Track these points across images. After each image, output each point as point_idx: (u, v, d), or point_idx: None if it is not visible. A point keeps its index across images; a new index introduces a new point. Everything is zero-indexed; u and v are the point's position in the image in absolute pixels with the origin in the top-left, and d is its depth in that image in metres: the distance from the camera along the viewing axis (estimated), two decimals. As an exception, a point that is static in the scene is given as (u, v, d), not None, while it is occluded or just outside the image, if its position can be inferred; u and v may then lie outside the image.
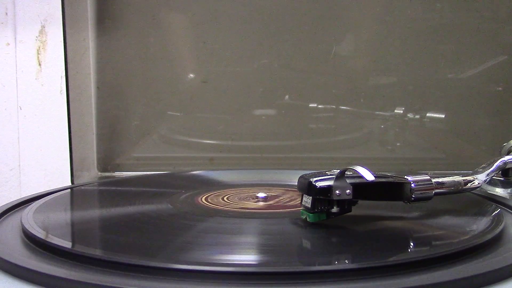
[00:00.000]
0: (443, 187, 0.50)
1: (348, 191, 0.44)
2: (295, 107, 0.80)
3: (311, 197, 0.45)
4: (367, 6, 0.78)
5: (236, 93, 0.79)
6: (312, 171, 0.47)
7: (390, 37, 0.79)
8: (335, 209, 0.45)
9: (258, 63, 0.79)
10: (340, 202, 0.45)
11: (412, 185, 0.47)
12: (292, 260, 0.41)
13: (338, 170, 0.45)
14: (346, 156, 0.81)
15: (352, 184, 0.44)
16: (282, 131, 0.81)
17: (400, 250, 0.43)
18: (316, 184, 0.44)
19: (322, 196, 0.44)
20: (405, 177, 0.48)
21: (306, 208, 0.46)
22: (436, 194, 0.49)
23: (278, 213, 0.51)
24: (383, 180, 0.46)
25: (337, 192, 0.44)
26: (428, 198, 0.48)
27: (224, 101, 0.79)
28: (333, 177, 0.44)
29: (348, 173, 0.45)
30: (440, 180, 0.50)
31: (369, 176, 0.43)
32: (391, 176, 0.47)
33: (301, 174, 0.47)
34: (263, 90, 0.79)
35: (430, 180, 0.48)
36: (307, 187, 0.45)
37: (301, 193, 0.46)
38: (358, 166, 0.44)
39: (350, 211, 0.46)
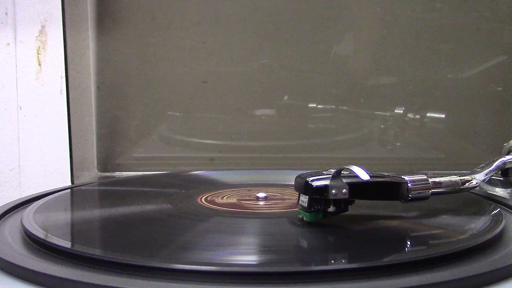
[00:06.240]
0: (440, 187, 0.50)
1: (344, 190, 0.44)
2: (295, 107, 0.80)
3: (307, 197, 0.45)
4: (367, 6, 0.78)
5: (236, 93, 0.79)
6: (309, 171, 0.47)
7: (390, 37, 0.79)
8: (331, 209, 0.45)
9: (258, 63, 0.79)
10: (337, 202, 0.45)
11: (409, 184, 0.47)
12: (290, 260, 0.41)
13: (335, 170, 0.45)
14: (346, 156, 0.81)
15: (348, 183, 0.45)
16: (282, 131, 0.81)
17: (399, 250, 0.43)
18: (313, 184, 0.44)
19: (318, 196, 0.45)
20: (402, 176, 0.48)
21: (303, 208, 0.46)
22: (433, 194, 0.49)
23: (278, 213, 0.51)
24: (379, 179, 0.46)
25: (334, 191, 0.44)
26: (425, 198, 0.48)
27: (224, 101, 0.79)
28: (330, 177, 0.44)
29: (345, 172, 0.45)
30: (437, 180, 0.50)
31: (364, 176, 0.43)
32: (388, 176, 0.47)
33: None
34: (263, 90, 0.79)
35: (427, 180, 0.48)
36: (303, 187, 0.45)
37: (298, 193, 0.46)
38: (353, 166, 0.44)
39: (347, 210, 0.46)
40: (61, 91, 0.78)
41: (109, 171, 0.79)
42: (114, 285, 0.35)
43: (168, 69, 0.79)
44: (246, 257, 0.41)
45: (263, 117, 0.80)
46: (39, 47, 0.78)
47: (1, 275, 0.38)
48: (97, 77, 0.78)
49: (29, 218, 0.47)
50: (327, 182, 0.44)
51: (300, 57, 0.79)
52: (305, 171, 0.47)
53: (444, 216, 0.50)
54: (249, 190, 0.60)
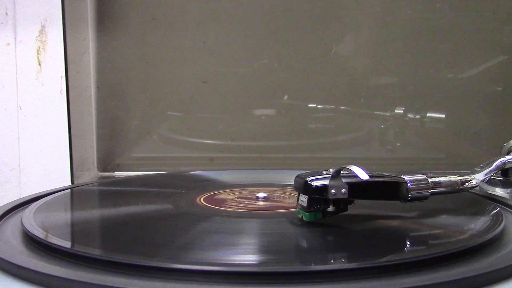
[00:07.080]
0: (439, 187, 0.50)
1: (343, 190, 0.44)
2: (295, 107, 0.80)
3: (307, 196, 0.45)
4: (367, 6, 0.78)
5: (236, 93, 0.79)
6: (309, 171, 0.47)
7: (390, 37, 0.79)
8: (331, 208, 0.45)
9: (258, 63, 0.79)
10: (336, 201, 0.45)
11: (409, 184, 0.47)
12: (290, 260, 0.41)
13: (334, 170, 0.45)
14: (346, 156, 0.81)
15: (348, 183, 0.45)
16: (282, 131, 0.81)
17: (399, 250, 0.43)
18: (312, 183, 0.44)
19: (318, 195, 0.45)
20: (402, 176, 0.48)
21: (302, 207, 0.46)
22: (432, 193, 0.49)
23: (278, 213, 0.51)
24: (379, 179, 0.46)
25: (333, 191, 0.44)
26: (424, 198, 0.48)
27: (224, 101, 0.79)
28: (329, 177, 0.44)
29: (344, 172, 0.45)
30: (436, 179, 0.50)
31: (363, 176, 0.43)
32: (387, 176, 0.47)
33: (301, 174, 0.47)
34: (263, 90, 0.79)
35: (427, 180, 0.48)
36: (303, 186, 0.45)
37: (297, 193, 0.46)
38: (353, 166, 0.44)
39: (346, 210, 0.46)
40: (61, 91, 0.78)
41: (109, 171, 0.79)
42: (114, 285, 0.35)
43: (168, 69, 0.79)
44: (246, 257, 0.41)
45: (263, 117, 0.80)
46: (39, 47, 0.78)
47: (1, 275, 0.38)
48: (97, 77, 0.78)
49: (29, 218, 0.47)
50: (326, 182, 0.44)
51: (300, 57, 0.79)
52: (305, 171, 0.47)
53: (444, 216, 0.50)
54: (249, 190, 0.60)
